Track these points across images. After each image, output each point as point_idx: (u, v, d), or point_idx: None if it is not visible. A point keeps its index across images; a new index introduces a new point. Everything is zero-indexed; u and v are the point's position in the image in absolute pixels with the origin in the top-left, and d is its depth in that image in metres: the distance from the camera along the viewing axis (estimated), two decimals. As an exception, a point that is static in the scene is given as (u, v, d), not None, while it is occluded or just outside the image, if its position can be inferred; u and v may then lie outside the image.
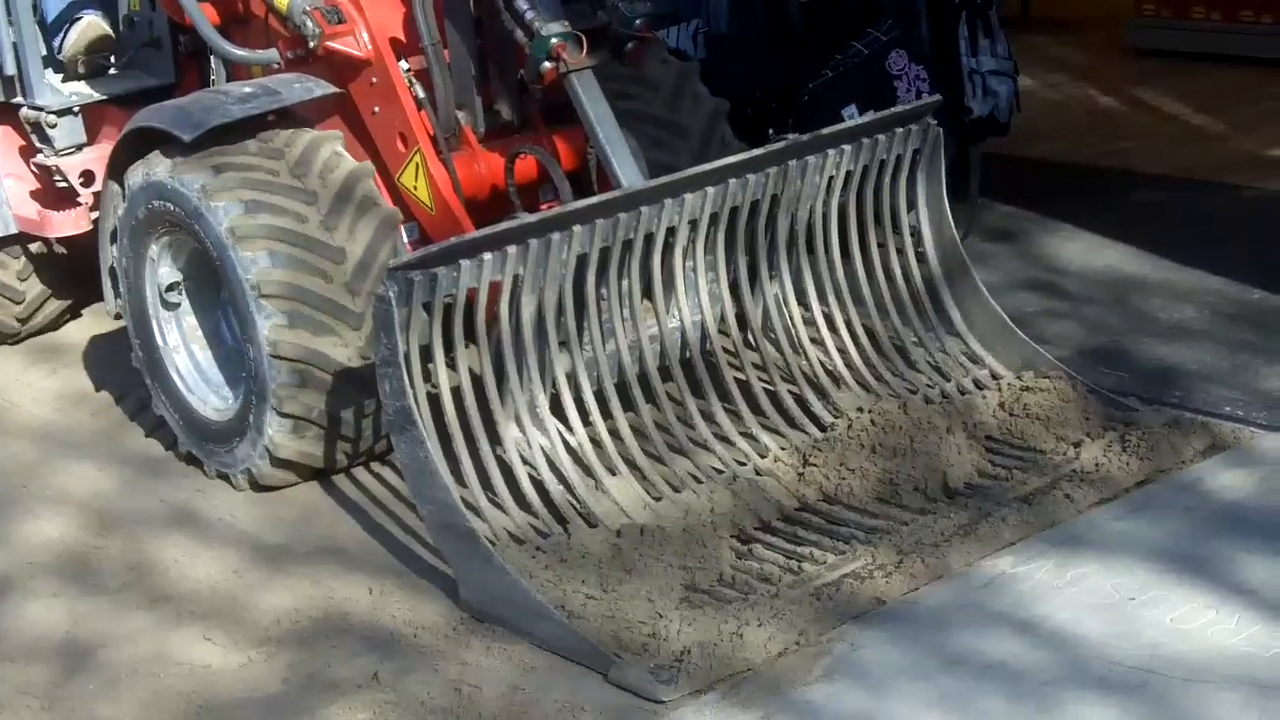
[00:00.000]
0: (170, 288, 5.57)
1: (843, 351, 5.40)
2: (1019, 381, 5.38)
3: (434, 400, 4.73)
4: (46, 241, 6.57)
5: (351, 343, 5.09)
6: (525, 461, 4.79)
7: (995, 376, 5.43)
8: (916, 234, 5.61)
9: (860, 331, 5.46)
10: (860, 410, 5.17)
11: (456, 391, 4.75)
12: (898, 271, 5.55)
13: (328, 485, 5.36)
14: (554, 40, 5.12)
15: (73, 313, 7.08)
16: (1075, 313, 6.41)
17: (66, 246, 6.53)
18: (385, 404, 4.61)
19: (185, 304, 5.61)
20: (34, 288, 6.73)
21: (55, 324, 7.03)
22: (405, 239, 5.43)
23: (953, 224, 5.62)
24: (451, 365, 4.77)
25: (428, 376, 4.72)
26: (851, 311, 5.46)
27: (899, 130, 5.42)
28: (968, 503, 4.80)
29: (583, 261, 4.83)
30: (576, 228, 4.80)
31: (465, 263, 4.61)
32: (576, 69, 5.16)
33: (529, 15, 5.16)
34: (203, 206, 5.13)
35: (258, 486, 5.39)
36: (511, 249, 4.69)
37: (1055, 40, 10.26)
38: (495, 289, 4.72)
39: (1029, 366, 5.44)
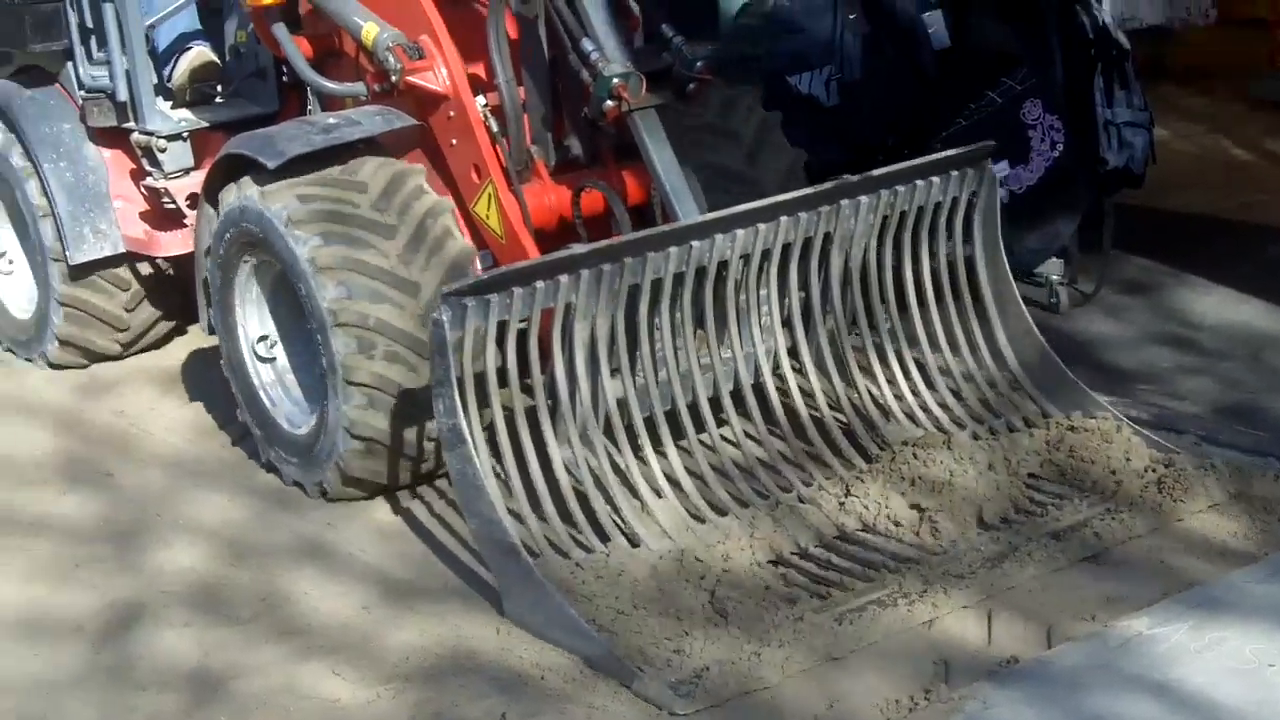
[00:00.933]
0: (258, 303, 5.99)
1: (892, 384, 5.62)
2: (1066, 420, 5.53)
3: (482, 396, 5.00)
4: (154, 261, 6.88)
5: (421, 371, 5.35)
6: (573, 480, 5.04)
7: (1045, 415, 5.60)
8: (971, 274, 5.80)
9: (911, 366, 5.71)
10: (905, 444, 5.36)
11: (508, 412, 5.00)
12: (952, 311, 5.74)
13: (454, 525, 5.45)
14: (615, 80, 5.41)
15: (178, 331, 7.36)
16: (1210, 369, 6.43)
17: (173, 266, 6.85)
18: (439, 422, 4.90)
19: (271, 324, 5.94)
20: (140, 306, 7.09)
21: (161, 342, 7.36)
22: (479, 266, 5.68)
23: (1007, 266, 5.83)
24: (505, 386, 5.04)
25: (482, 399, 4.95)
26: (903, 346, 5.67)
27: (954, 173, 5.65)
28: (999, 536, 4.99)
29: (635, 292, 5.08)
30: (628, 259, 5.07)
31: (518, 290, 4.90)
32: (638, 108, 5.39)
33: (594, 56, 5.44)
34: (286, 234, 5.46)
35: (329, 497, 5.70)
36: (564, 278, 4.95)
37: (1188, 91, 10.22)
38: (549, 316, 4.98)
39: (1078, 407, 5.60)
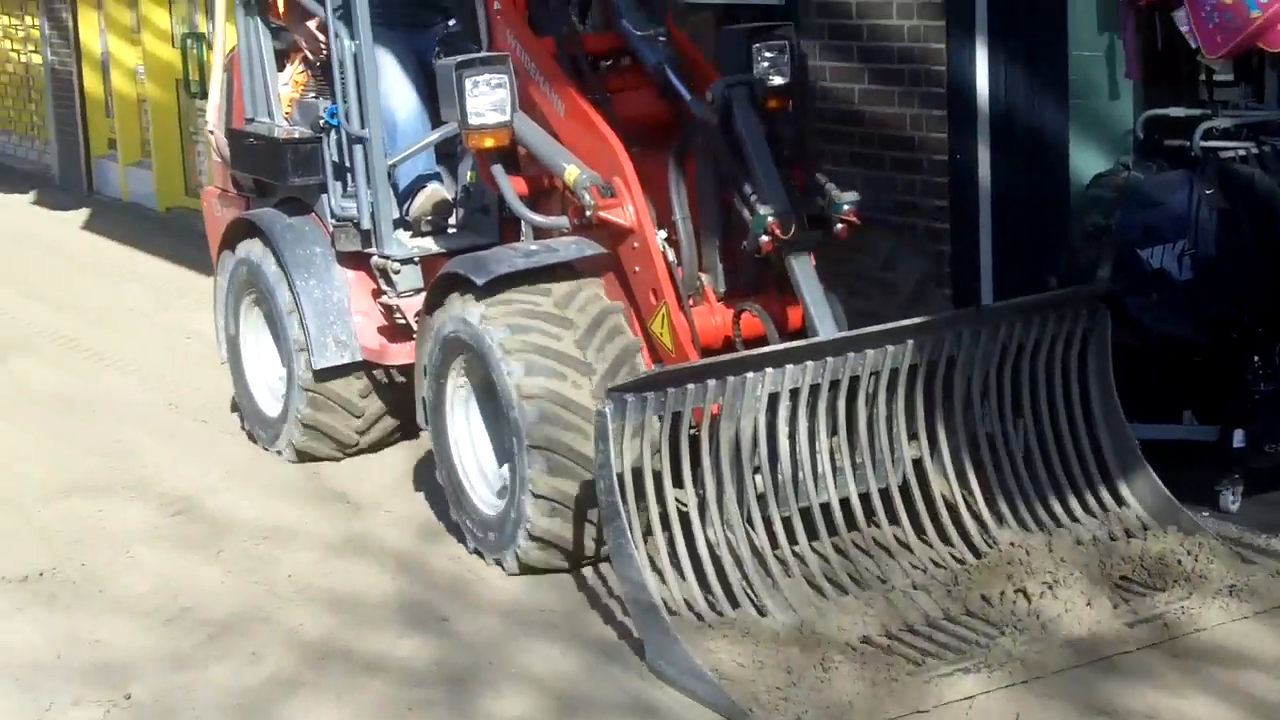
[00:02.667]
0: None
1: (1005, 491, 6.44)
2: (1165, 535, 6.31)
3: (640, 490, 5.95)
4: (386, 369, 8.02)
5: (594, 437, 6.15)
6: (713, 553, 5.94)
7: (1145, 527, 6.39)
8: (1086, 403, 6.62)
9: (1024, 475, 6.51)
10: (1013, 544, 6.20)
11: (661, 494, 5.96)
12: (1066, 433, 6.56)
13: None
14: (770, 218, 6.35)
15: (404, 433, 8.34)
16: None
17: (402, 374, 7.93)
18: (599, 499, 5.88)
19: (475, 413, 6.98)
20: (373, 406, 8.16)
21: (388, 440, 8.40)
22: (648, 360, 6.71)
23: (1116, 396, 6.63)
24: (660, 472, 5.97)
25: (640, 484, 5.88)
26: (1018, 459, 6.51)
27: (1068, 310, 6.55)
28: (1080, 623, 5.76)
29: (775, 399, 6.05)
30: (769, 370, 6.03)
31: (672, 390, 5.89)
32: (790, 243, 6.37)
33: (753, 197, 6.42)
34: (482, 330, 6.57)
35: (521, 569, 6.66)
36: (713, 382, 5.94)
37: None
38: (700, 414, 5.92)
39: (1180, 527, 6.38)
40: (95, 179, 18.44)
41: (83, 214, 17.02)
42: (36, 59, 20.29)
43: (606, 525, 5.88)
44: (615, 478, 5.75)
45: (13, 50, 21.37)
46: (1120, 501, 6.54)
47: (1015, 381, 6.53)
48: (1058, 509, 6.46)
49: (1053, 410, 6.59)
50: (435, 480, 7.31)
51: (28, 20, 20.46)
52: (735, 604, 5.88)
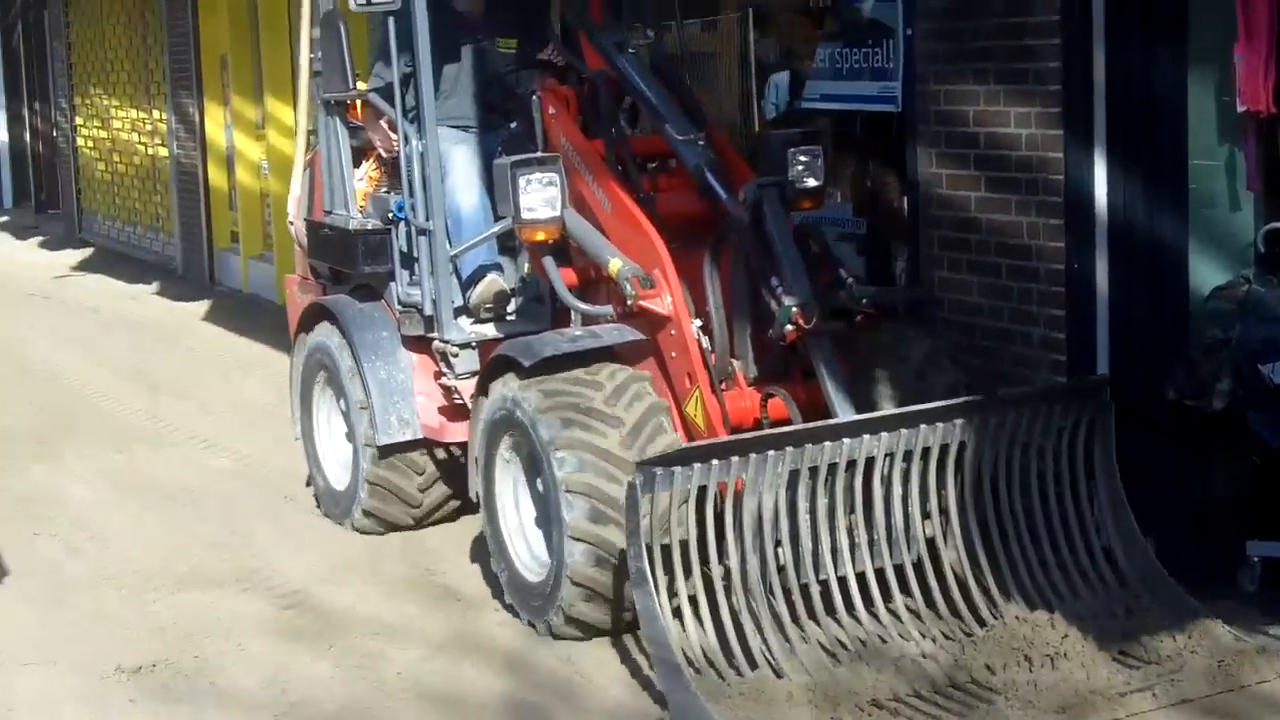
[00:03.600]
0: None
1: (1013, 570, 6.91)
2: (1161, 613, 6.76)
3: (668, 561, 6.45)
4: (445, 446, 8.62)
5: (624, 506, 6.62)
6: (735, 619, 6.46)
7: (1143, 605, 6.82)
8: (1091, 487, 7.11)
9: (1032, 556, 6.96)
10: (1018, 618, 6.65)
11: (686, 559, 6.47)
12: (1073, 518, 7.06)
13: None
14: (794, 309, 6.93)
15: (463, 505, 8.75)
16: None
17: (460, 450, 8.41)
18: (629, 565, 6.39)
19: (522, 486, 7.50)
20: (433, 479, 8.78)
21: (447, 511, 8.94)
22: None
23: (1119, 483, 7.12)
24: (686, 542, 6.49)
25: (666, 552, 6.40)
26: (1026, 541, 6.98)
27: (1075, 400, 7.08)
28: (1072, 697, 6.21)
29: (795, 475, 6.56)
30: (789, 448, 6.53)
31: (698, 465, 6.41)
32: (812, 332, 6.96)
33: (779, 289, 7.02)
34: (535, 418, 7.08)
35: (555, 636, 7.18)
36: (736, 458, 6.46)
37: None
38: (725, 488, 6.46)
39: (1176, 606, 6.81)
40: (217, 270, 18.76)
41: (204, 305, 17.34)
42: (163, 152, 20.67)
43: (635, 589, 6.36)
44: (644, 546, 6.27)
45: (140, 143, 21.78)
46: (1122, 581, 6.99)
47: (1024, 465, 7.00)
48: (1061, 586, 6.92)
49: (1059, 493, 7.07)
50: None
51: (155, 114, 20.87)
52: (754, 665, 6.37)
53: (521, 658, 7.16)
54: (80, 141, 24.67)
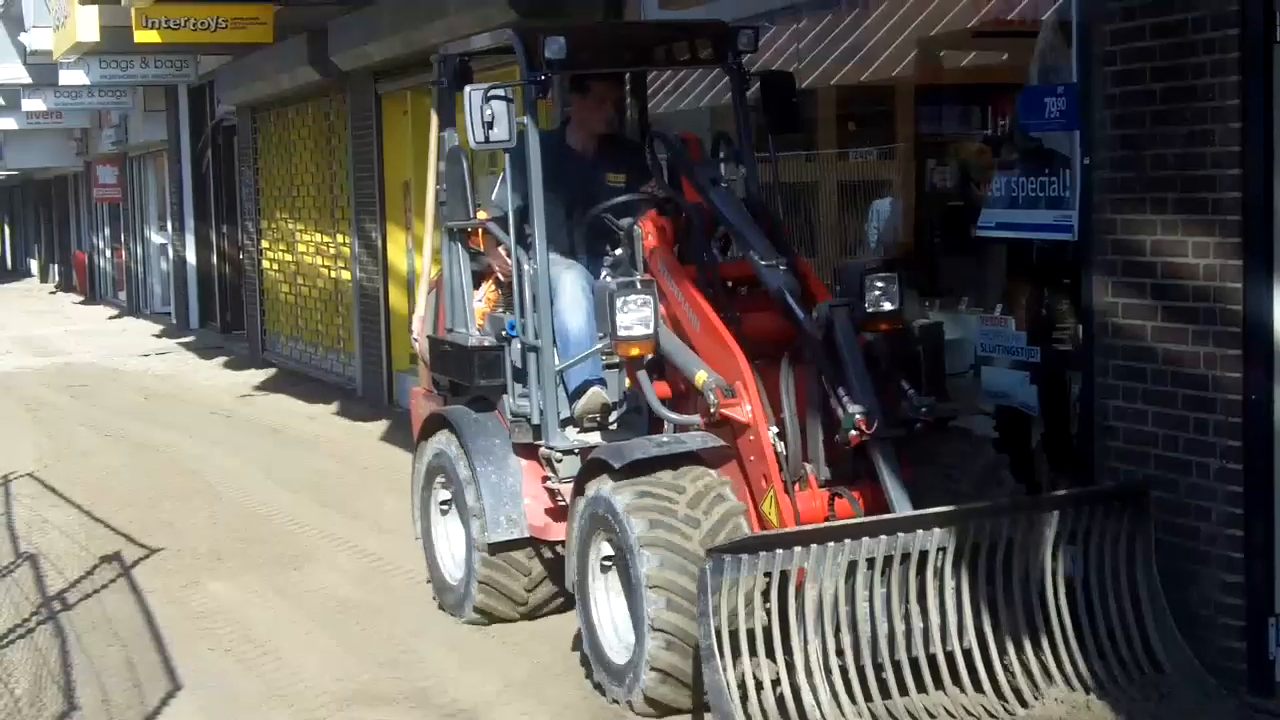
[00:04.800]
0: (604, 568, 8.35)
1: (1056, 657, 7.61)
2: (1191, 697, 7.45)
3: (734, 640, 7.16)
4: (551, 546, 9.37)
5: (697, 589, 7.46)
6: (796, 696, 7.18)
7: (1176, 691, 7.49)
8: (1132, 583, 7.78)
9: (1074, 642, 7.66)
10: (1058, 700, 7.41)
11: (752, 640, 7.22)
12: (1115, 615, 7.72)
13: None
14: (858, 415, 7.71)
15: (567, 600, 9.21)
16: None
17: (564, 547, 9.00)
18: (700, 644, 7.18)
19: (614, 580, 8.24)
20: (538, 572, 9.54)
21: (557, 609, 9.59)
22: None
23: (1158, 583, 7.77)
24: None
25: (735, 633, 7.13)
26: (1069, 630, 7.66)
27: (1115, 506, 7.79)
28: None
29: (854, 566, 7.32)
30: (848, 540, 7.33)
31: (764, 553, 7.22)
32: (874, 438, 7.72)
33: (845, 398, 7.81)
34: (624, 517, 7.91)
35: (637, 713, 7.98)
36: (798, 549, 7.26)
37: None
38: (789, 574, 7.28)
39: (1205, 691, 7.51)
40: (396, 391, 19.02)
41: (382, 425, 17.70)
42: (345, 275, 21.10)
43: (705, 663, 7.16)
44: (712, 627, 7.06)
45: (323, 266, 22.23)
46: (1157, 668, 7.68)
47: (1069, 562, 7.72)
48: (1101, 673, 7.62)
49: (1101, 588, 7.76)
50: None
51: (339, 238, 21.33)
52: None
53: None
54: (265, 264, 25.31)
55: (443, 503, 10.02)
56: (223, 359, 26.27)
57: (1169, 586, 8.11)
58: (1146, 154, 8.18)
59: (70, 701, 8.68)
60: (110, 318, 38.31)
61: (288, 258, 24.26)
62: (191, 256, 31.97)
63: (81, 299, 45.90)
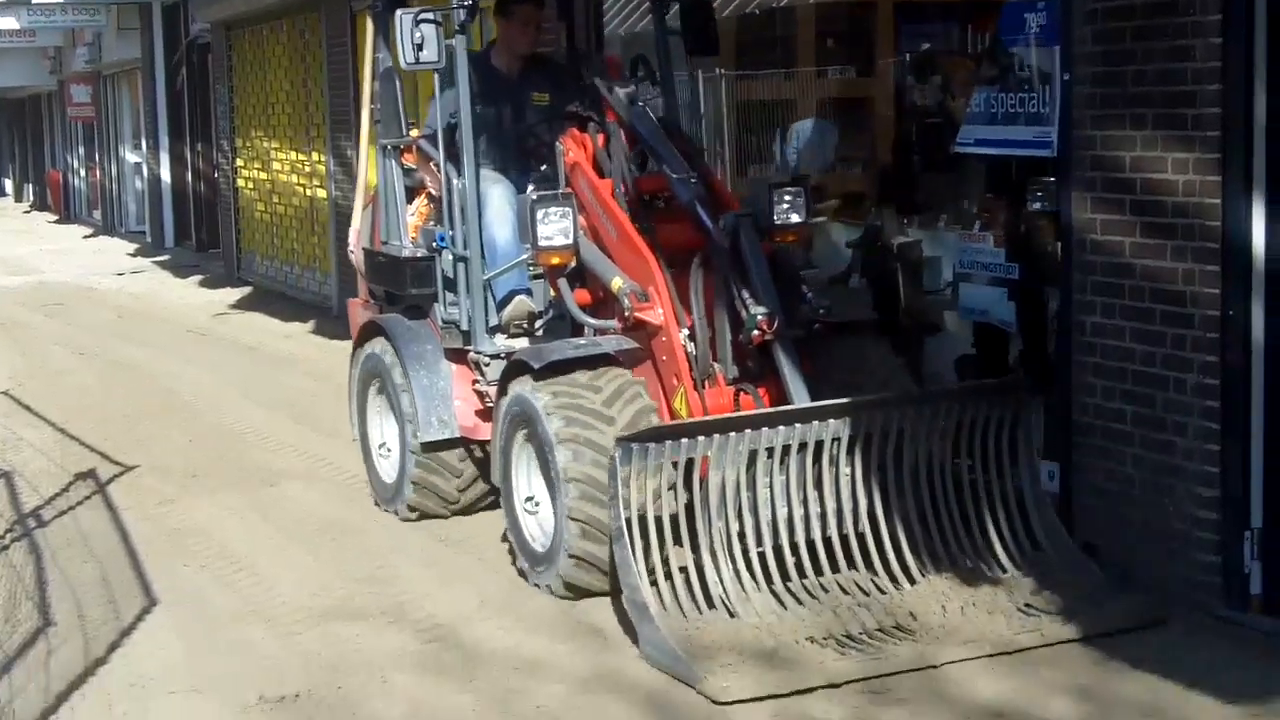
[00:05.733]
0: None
1: (941, 535, 8.21)
2: (1067, 574, 8.09)
3: (643, 524, 7.72)
4: (481, 445, 9.89)
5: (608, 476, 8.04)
6: (699, 571, 7.80)
7: (1054, 568, 8.12)
8: (1014, 469, 8.42)
9: (960, 525, 8.26)
10: (945, 576, 8.01)
11: (658, 521, 7.80)
12: (998, 500, 8.34)
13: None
14: (760, 316, 8.28)
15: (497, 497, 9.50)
16: None
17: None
18: (610, 524, 7.83)
19: (538, 475, 8.76)
20: (469, 471, 10.12)
21: (484, 502, 10.14)
22: None
23: (1039, 469, 8.50)
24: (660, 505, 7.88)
25: (644, 520, 7.71)
26: (955, 513, 8.26)
27: (998, 399, 8.41)
28: (974, 636, 7.60)
29: (754, 455, 7.91)
30: (748, 431, 7.90)
31: (668, 442, 7.81)
32: (775, 337, 8.32)
33: (749, 301, 8.40)
34: (543, 415, 8.47)
35: (557, 596, 8.54)
36: (702, 438, 7.86)
37: None
38: (694, 463, 7.94)
39: (1079, 569, 8.16)
40: (372, 311, 18.81)
41: (358, 344, 17.39)
42: (321, 193, 21.05)
43: (615, 543, 7.78)
44: (622, 512, 7.66)
45: (299, 185, 22.14)
46: (1036, 547, 8.33)
47: (954, 449, 8.33)
48: (984, 551, 8.26)
49: (985, 474, 8.37)
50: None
51: (314, 156, 21.25)
52: (711, 606, 7.74)
53: (662, 696, 7.33)
54: (240, 182, 25.23)
55: (378, 405, 10.53)
56: (198, 278, 26.21)
57: (1146, 501, 8.21)
58: (1127, 70, 8.18)
59: (45, 617, 8.70)
60: (85, 237, 38.16)
61: (263, 176, 24.18)
62: (166, 175, 31.86)
63: (56, 218, 45.68)
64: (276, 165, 23.41)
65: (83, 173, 44.58)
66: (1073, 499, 8.79)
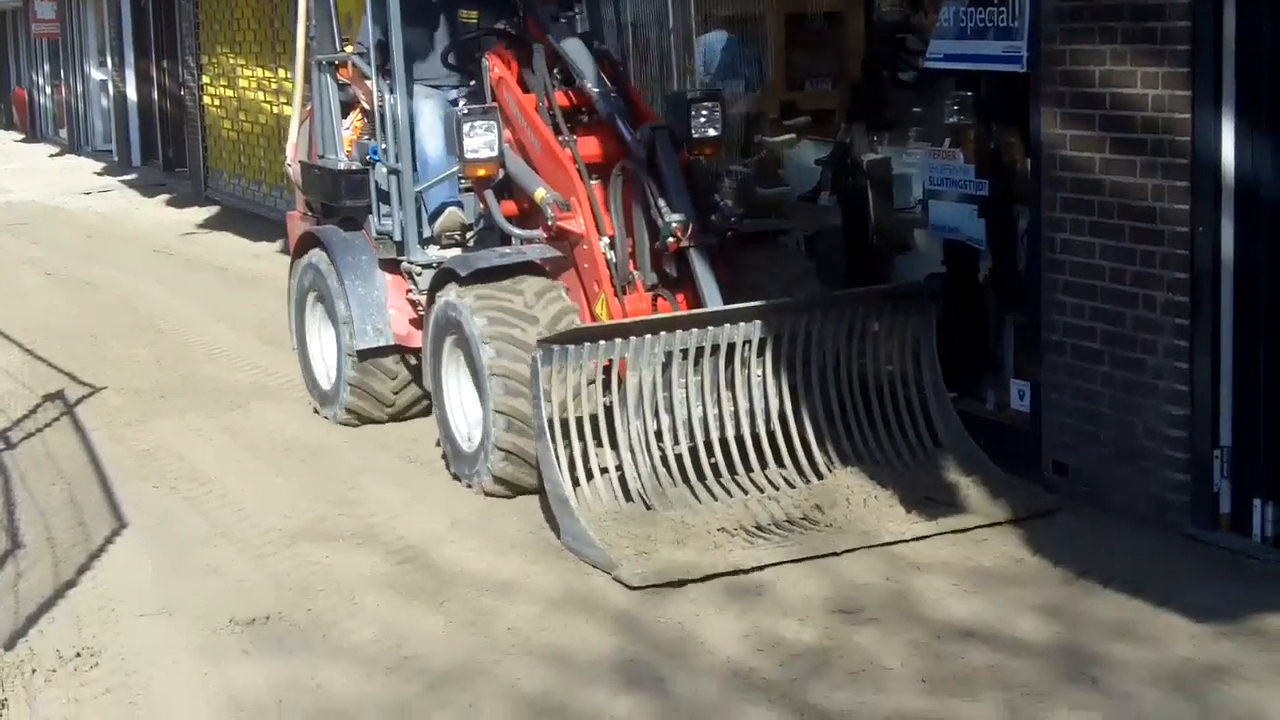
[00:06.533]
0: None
1: (848, 432, 8.75)
2: (964, 470, 8.60)
3: (565, 423, 8.17)
4: (414, 352, 10.25)
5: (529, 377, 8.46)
6: (617, 467, 8.31)
7: (953, 464, 8.65)
8: (917, 370, 8.93)
9: (865, 423, 8.78)
10: (850, 471, 8.52)
11: (579, 420, 8.25)
12: (902, 399, 8.86)
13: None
14: (674, 224, 8.78)
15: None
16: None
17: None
18: (533, 422, 8.23)
19: (467, 378, 9.18)
20: (403, 374, 10.56)
21: (418, 406, 10.59)
22: None
23: (939, 369, 8.90)
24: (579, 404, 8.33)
25: (564, 413, 8.17)
26: (860, 412, 8.79)
27: (901, 304, 8.86)
28: (876, 526, 8.08)
29: (670, 356, 8.37)
30: (664, 333, 8.35)
31: (587, 344, 8.24)
32: (689, 244, 8.82)
33: (665, 210, 8.88)
34: (468, 318, 8.88)
35: (487, 494, 8.99)
36: (619, 340, 8.30)
37: None
38: (610, 364, 8.37)
39: (976, 465, 8.66)
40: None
41: (326, 263, 17.30)
42: (288, 110, 20.70)
43: (538, 440, 8.18)
44: (544, 405, 8.07)
45: (265, 102, 21.95)
46: (937, 444, 8.85)
47: (860, 351, 8.82)
48: (888, 448, 8.77)
49: (889, 374, 8.87)
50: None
51: (281, 74, 21.02)
52: (629, 500, 8.23)
53: (632, 617, 7.37)
54: (207, 100, 25.08)
55: (316, 314, 10.95)
56: (165, 197, 26.09)
57: (1116, 420, 8.21)
58: (1096, -18, 8.18)
59: (14, 540, 8.71)
60: (51, 155, 37.90)
61: (230, 93, 24.01)
62: (132, 93, 31.65)
63: (22, 137, 45.34)
64: (243, 82, 23.23)
65: (48, 90, 44.23)
66: (1042, 418, 8.81)
